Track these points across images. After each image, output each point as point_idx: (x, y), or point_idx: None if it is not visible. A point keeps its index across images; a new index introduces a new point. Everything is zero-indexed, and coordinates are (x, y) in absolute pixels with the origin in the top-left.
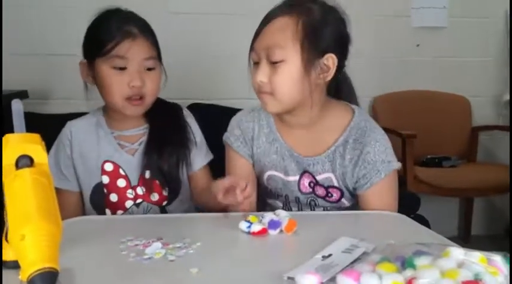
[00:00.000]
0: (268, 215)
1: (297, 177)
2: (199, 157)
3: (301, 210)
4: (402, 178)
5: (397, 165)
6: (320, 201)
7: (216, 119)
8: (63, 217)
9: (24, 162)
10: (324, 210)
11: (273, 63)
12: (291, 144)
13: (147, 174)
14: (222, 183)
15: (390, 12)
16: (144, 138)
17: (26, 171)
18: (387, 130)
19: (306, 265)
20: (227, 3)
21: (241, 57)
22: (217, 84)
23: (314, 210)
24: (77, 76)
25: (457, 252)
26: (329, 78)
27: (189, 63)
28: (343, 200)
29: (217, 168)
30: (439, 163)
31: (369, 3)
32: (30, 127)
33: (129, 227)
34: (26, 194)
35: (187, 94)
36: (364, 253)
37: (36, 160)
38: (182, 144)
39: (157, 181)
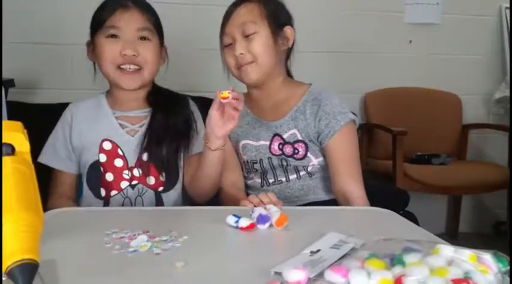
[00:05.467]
0: (258, 210)
1: (268, 142)
2: (198, 142)
3: (277, 178)
4: (391, 174)
5: (353, 116)
6: (290, 161)
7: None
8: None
9: (5, 150)
10: (296, 172)
11: (247, 37)
12: (260, 115)
13: (145, 157)
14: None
15: (383, 8)
16: (146, 121)
17: (6, 160)
18: (378, 127)
19: (293, 260)
20: None
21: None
22: (203, 76)
23: (287, 173)
24: (65, 66)
25: (447, 250)
26: (290, 45)
27: (173, 54)
28: (309, 155)
29: None
30: (429, 160)
31: None
32: (16, 116)
33: (115, 220)
34: (6, 183)
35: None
36: (353, 249)
37: (17, 148)
38: (184, 132)
39: (154, 165)
